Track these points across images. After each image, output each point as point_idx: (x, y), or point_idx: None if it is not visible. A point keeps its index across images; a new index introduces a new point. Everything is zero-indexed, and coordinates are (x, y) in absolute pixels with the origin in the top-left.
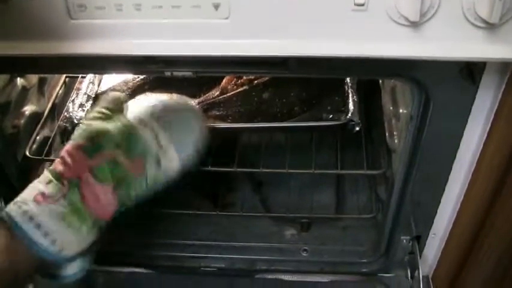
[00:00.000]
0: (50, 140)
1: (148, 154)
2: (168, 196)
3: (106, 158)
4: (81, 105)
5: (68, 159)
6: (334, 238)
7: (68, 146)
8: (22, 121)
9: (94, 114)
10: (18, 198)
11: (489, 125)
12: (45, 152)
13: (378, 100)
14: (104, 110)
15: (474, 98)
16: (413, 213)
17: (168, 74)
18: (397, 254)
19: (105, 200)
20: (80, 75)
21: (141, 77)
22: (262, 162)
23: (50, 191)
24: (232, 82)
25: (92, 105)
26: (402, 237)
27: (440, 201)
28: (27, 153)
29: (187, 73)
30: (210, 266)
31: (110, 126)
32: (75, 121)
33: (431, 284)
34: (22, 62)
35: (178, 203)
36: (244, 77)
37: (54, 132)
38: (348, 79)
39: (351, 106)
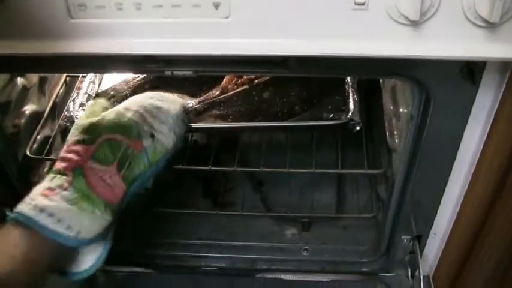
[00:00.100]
0: (51, 139)
1: (142, 132)
2: (168, 195)
3: (105, 139)
4: (81, 105)
5: (68, 155)
6: (334, 237)
7: (65, 146)
8: (22, 120)
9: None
10: (26, 199)
11: (489, 124)
12: (45, 151)
13: (379, 99)
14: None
15: (474, 98)
16: (414, 213)
17: (168, 73)
18: (398, 254)
19: (111, 182)
20: (81, 75)
21: (142, 76)
22: (263, 162)
23: (55, 184)
24: (233, 81)
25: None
26: (403, 237)
27: (440, 201)
28: (28, 152)
29: (187, 72)
30: (210, 266)
31: (100, 117)
32: (76, 120)
33: (432, 283)
34: (22, 62)
35: (178, 202)
36: (245, 77)
37: (54, 132)
38: (348, 78)
39: (351, 105)
